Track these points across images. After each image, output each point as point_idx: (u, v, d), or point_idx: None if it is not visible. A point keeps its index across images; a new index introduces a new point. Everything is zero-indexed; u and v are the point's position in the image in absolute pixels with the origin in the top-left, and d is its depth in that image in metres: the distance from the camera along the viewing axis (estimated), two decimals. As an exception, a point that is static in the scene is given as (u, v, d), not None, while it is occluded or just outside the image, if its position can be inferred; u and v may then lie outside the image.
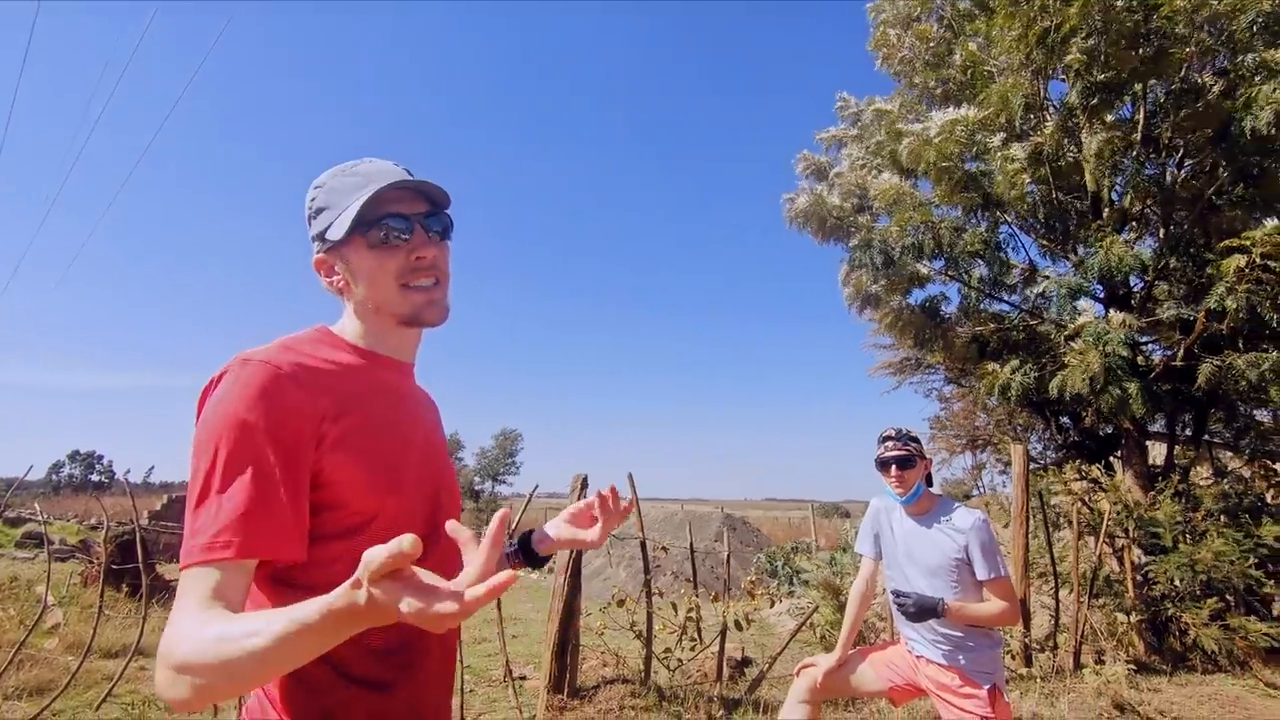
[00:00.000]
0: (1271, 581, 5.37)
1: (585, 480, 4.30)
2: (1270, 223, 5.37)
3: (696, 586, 5.27)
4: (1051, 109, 6.98)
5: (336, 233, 0.93)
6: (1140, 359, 6.36)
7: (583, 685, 4.32)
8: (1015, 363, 6.84)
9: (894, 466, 2.34)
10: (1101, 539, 5.53)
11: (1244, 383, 5.66)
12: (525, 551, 1.15)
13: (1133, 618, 5.39)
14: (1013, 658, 4.99)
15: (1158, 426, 7.35)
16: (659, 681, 4.45)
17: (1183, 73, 6.21)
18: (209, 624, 0.68)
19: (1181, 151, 6.65)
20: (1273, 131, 5.40)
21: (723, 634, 4.65)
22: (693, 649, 4.73)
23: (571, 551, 4.20)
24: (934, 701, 2.33)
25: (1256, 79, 5.64)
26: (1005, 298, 7.81)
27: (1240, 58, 5.95)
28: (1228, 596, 5.38)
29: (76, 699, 4.12)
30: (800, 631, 5.21)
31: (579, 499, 4.45)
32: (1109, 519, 5.57)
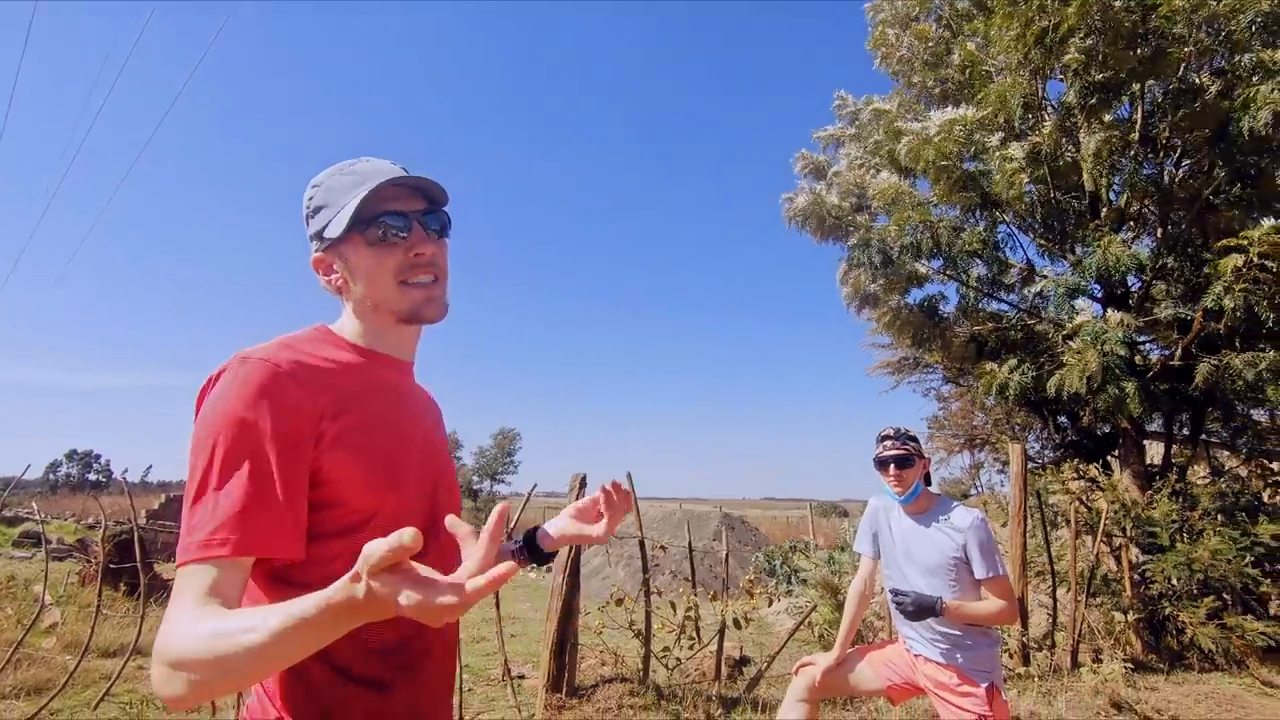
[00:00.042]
0: (1268, 580, 5.39)
1: (584, 479, 4.30)
2: (1267, 222, 5.38)
3: (695, 585, 5.28)
4: (1050, 109, 6.99)
5: (334, 230, 0.93)
6: (1138, 358, 6.37)
7: (581, 684, 4.33)
8: (1013, 362, 6.85)
9: (892, 465, 2.34)
10: (1099, 538, 5.54)
11: (1241, 382, 5.67)
12: (530, 548, 1.15)
13: (1130, 616, 5.41)
14: (1010, 656, 5.00)
15: (1155, 426, 7.37)
16: (657, 680, 4.45)
17: (1180, 73, 6.22)
18: (204, 620, 0.68)
19: (1179, 151, 6.66)
20: (1271, 131, 5.42)
21: (721, 633, 4.65)
22: (691, 648, 4.74)
23: (570, 550, 4.20)
24: (932, 700, 2.33)
25: (1254, 79, 5.65)
26: (1003, 297, 7.82)
27: (1238, 58, 5.97)
28: (1224, 595, 5.39)
29: (74, 698, 4.11)
30: (798, 630, 5.22)
31: (577, 498, 4.45)
32: (1106, 518, 5.58)
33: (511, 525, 4.87)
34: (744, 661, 5.36)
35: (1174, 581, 5.35)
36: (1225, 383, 5.81)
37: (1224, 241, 5.62)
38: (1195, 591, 5.34)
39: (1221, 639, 5.11)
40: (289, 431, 0.80)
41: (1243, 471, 6.91)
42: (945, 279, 7.93)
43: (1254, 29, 5.68)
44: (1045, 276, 6.96)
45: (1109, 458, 7.58)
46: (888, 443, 2.38)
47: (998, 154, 6.70)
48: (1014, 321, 7.59)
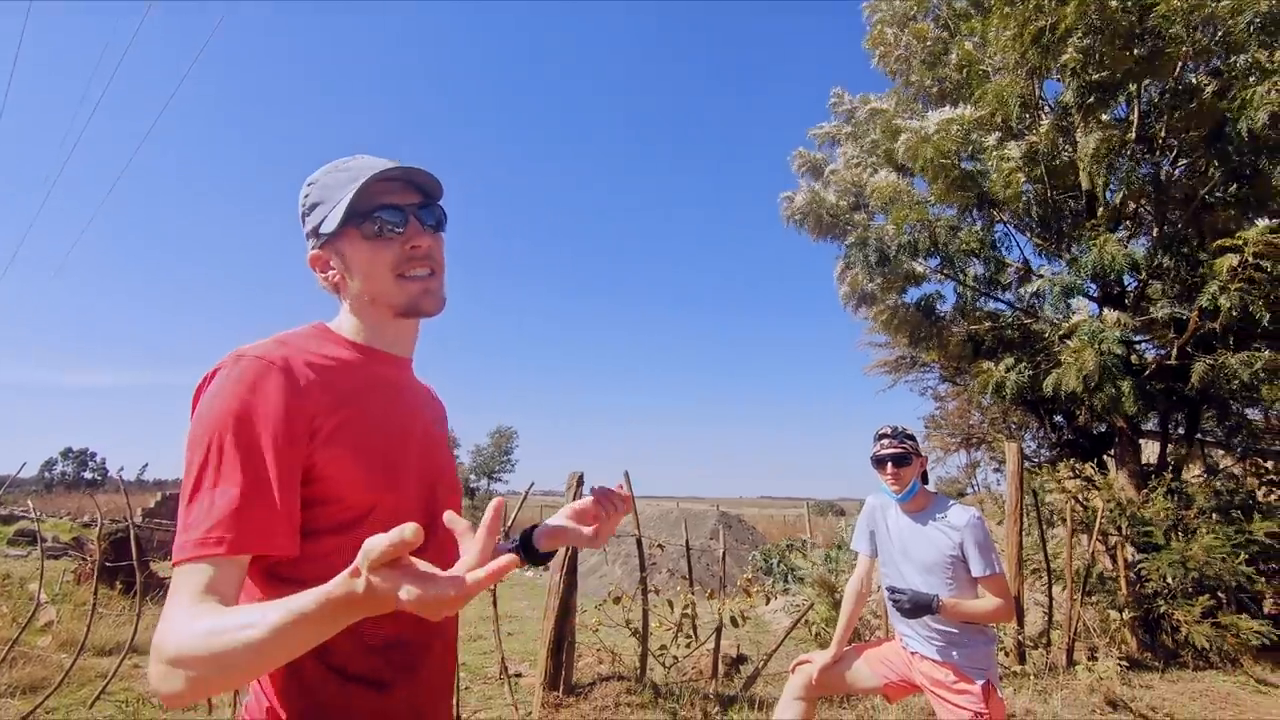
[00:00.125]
0: (1262, 579, 5.42)
1: (581, 478, 4.29)
2: (1262, 223, 5.40)
3: (692, 584, 5.28)
4: (1047, 108, 7.01)
5: (330, 226, 0.93)
6: (1134, 358, 6.39)
7: (578, 682, 4.33)
8: (1010, 361, 6.87)
9: (890, 464, 2.35)
10: (1095, 536, 5.56)
11: (1236, 381, 5.69)
12: (527, 548, 1.13)
13: (1125, 615, 5.43)
14: (1006, 654, 5.01)
15: (1151, 425, 7.39)
16: (654, 678, 4.46)
17: (1177, 73, 6.24)
18: (201, 617, 0.68)
19: (1175, 151, 6.68)
20: (1268, 131, 5.44)
21: (718, 631, 4.66)
22: (688, 646, 4.74)
23: (567, 549, 4.20)
24: (928, 697, 2.34)
25: (1251, 79, 5.67)
26: (1000, 296, 7.84)
27: (1234, 58, 5.98)
28: (1219, 594, 5.41)
29: (70, 696, 4.11)
30: (795, 629, 5.23)
31: (575, 497, 4.44)
32: (1102, 517, 5.60)
33: (509, 523, 4.87)
34: (741, 660, 5.37)
35: (1169, 580, 5.37)
36: (1221, 382, 5.84)
37: (1219, 241, 5.64)
38: (1190, 590, 5.36)
39: (1216, 637, 5.13)
40: (284, 429, 0.80)
41: (1238, 470, 6.94)
42: (942, 278, 7.94)
43: (1252, 30, 5.70)
44: (1042, 276, 6.97)
45: (1105, 457, 7.61)
46: (885, 441, 2.39)
47: (995, 153, 6.71)
48: (1011, 321, 7.60)
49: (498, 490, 42.62)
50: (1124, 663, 4.80)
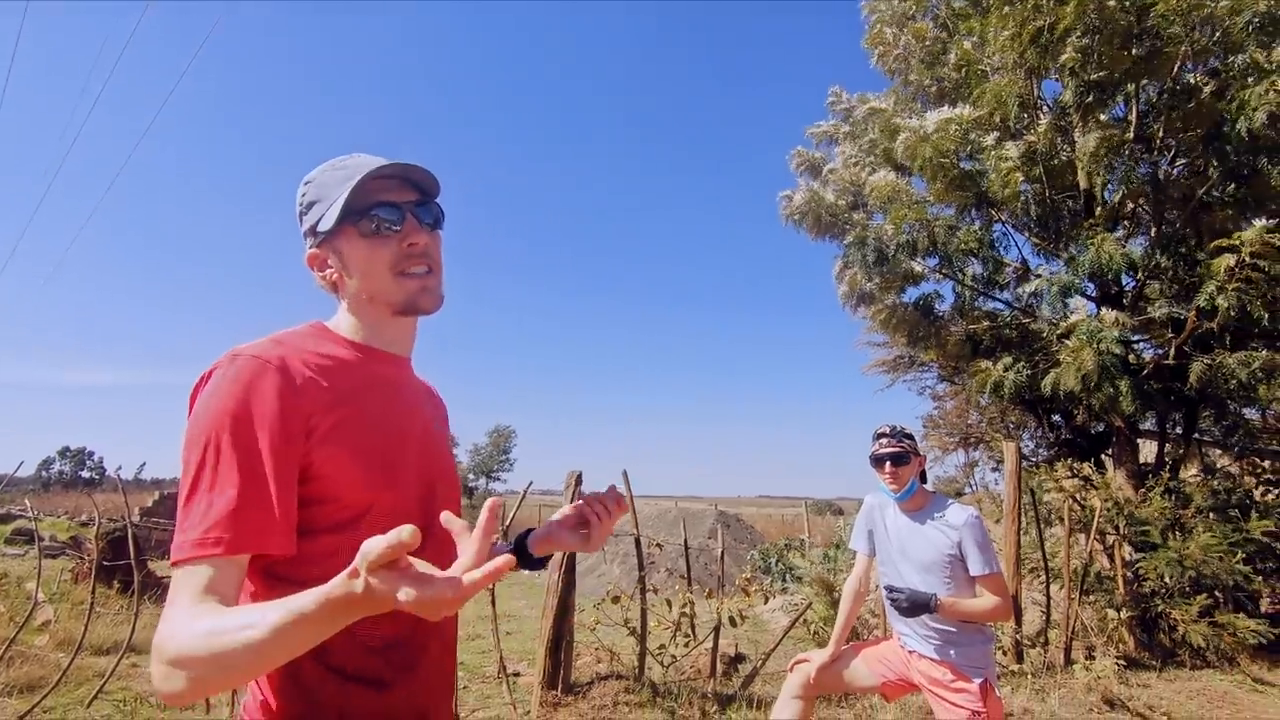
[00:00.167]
0: (1259, 578, 5.43)
1: (579, 477, 4.30)
2: (1259, 223, 5.41)
3: (690, 583, 5.28)
4: (1045, 108, 7.02)
5: (327, 224, 0.92)
6: (1131, 357, 6.40)
7: (577, 681, 4.33)
8: (1008, 360, 6.88)
9: (888, 463, 2.35)
10: (1092, 536, 5.57)
11: (1234, 381, 5.71)
12: (520, 554, 1.11)
13: (1123, 614, 5.44)
14: (1004, 653, 5.02)
15: (1149, 424, 7.40)
16: (653, 678, 4.46)
17: (1175, 72, 6.25)
18: (201, 618, 0.68)
19: (1174, 151, 6.69)
20: (1266, 131, 5.44)
21: (716, 630, 4.66)
22: (687, 645, 4.74)
23: (565, 549, 4.19)
24: (926, 696, 2.34)
25: (1249, 79, 5.68)
26: (998, 296, 7.84)
27: (1232, 58, 5.99)
28: (1216, 593, 5.43)
29: (67, 696, 4.10)
30: (794, 628, 5.23)
31: (573, 496, 4.44)
32: (1100, 516, 5.61)
33: (508, 522, 4.87)
34: (739, 659, 5.37)
35: (1166, 579, 5.38)
36: (1218, 382, 5.85)
37: (1217, 241, 5.65)
38: (1187, 589, 5.38)
39: (1213, 636, 5.15)
40: (280, 428, 0.80)
41: (1235, 469, 6.96)
42: (941, 277, 7.95)
43: (1250, 29, 5.70)
44: (1040, 275, 6.98)
45: (1103, 456, 7.62)
46: (883, 440, 2.39)
47: (993, 153, 6.72)
48: (1009, 320, 7.61)
49: (496, 489, 42.63)
50: (1121, 661, 4.81)
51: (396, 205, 0.95)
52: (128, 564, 4.78)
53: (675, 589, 5.17)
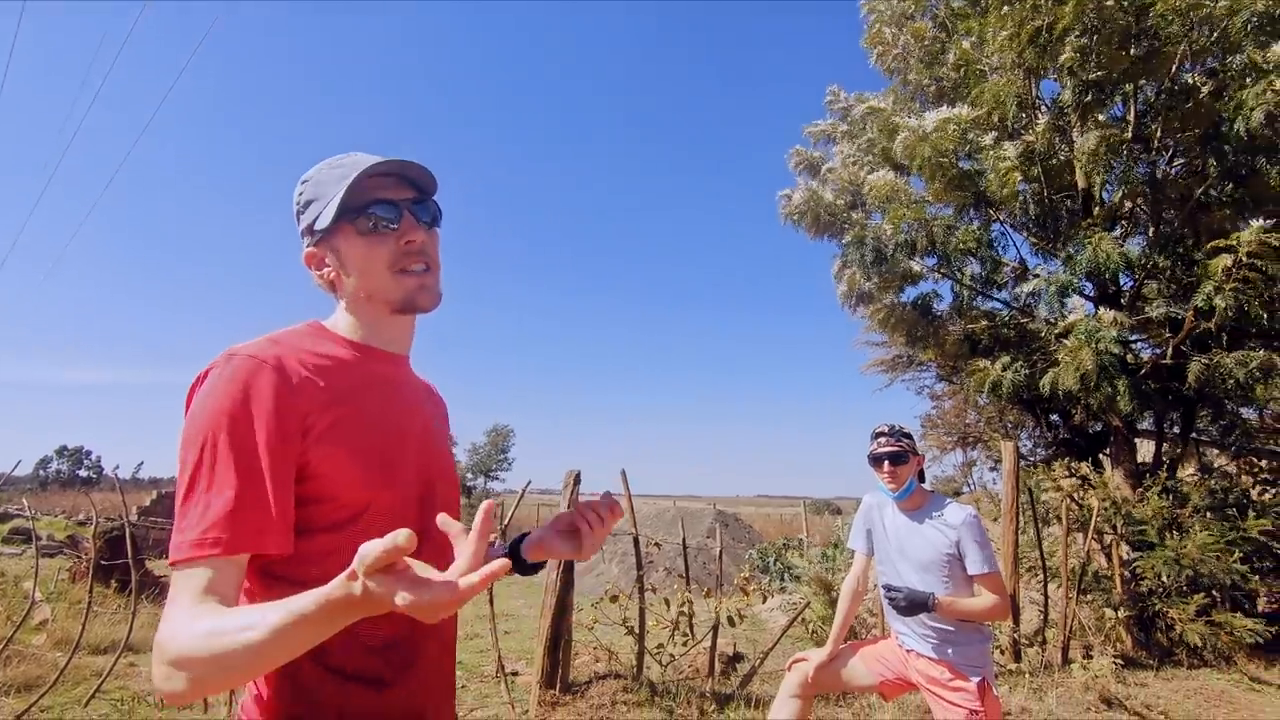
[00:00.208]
0: (1256, 577, 5.44)
1: (578, 476, 4.29)
2: (1257, 223, 5.42)
3: (689, 582, 5.28)
4: (1044, 108, 7.02)
5: (324, 222, 0.92)
6: (1129, 357, 6.42)
7: (575, 680, 4.33)
8: (1006, 360, 6.88)
9: (886, 462, 2.35)
10: (1090, 535, 5.59)
11: (1231, 381, 5.72)
12: (514, 561, 1.08)
13: (1120, 613, 5.45)
14: (1002, 652, 5.03)
15: (1146, 424, 7.42)
16: (651, 677, 4.46)
17: (1173, 72, 6.26)
18: (200, 618, 0.69)
19: (1172, 150, 6.70)
20: (1264, 131, 5.45)
21: (715, 629, 4.66)
22: (685, 644, 4.74)
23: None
24: (924, 695, 2.34)
25: (1247, 79, 5.69)
26: (997, 295, 7.86)
27: (1230, 58, 6.00)
28: (1213, 592, 5.44)
29: (65, 695, 4.09)
30: (792, 627, 5.23)
31: (571, 495, 4.42)
32: (1097, 515, 5.62)
33: (505, 522, 4.86)
34: (737, 658, 5.37)
35: (1164, 578, 5.39)
36: (1216, 381, 5.86)
37: (1215, 241, 5.67)
38: (1185, 588, 5.39)
39: (1210, 635, 5.16)
40: (276, 427, 0.80)
41: (1232, 469, 6.97)
42: (939, 277, 7.96)
43: (1248, 29, 5.71)
44: (1038, 275, 6.99)
45: (1100, 455, 7.64)
46: (882, 439, 2.39)
47: (992, 153, 6.73)
48: (1007, 320, 7.63)
49: (494, 489, 42.62)
50: (1119, 660, 4.82)
51: (394, 203, 0.94)
52: (125, 563, 4.77)
53: (673, 588, 5.17)
